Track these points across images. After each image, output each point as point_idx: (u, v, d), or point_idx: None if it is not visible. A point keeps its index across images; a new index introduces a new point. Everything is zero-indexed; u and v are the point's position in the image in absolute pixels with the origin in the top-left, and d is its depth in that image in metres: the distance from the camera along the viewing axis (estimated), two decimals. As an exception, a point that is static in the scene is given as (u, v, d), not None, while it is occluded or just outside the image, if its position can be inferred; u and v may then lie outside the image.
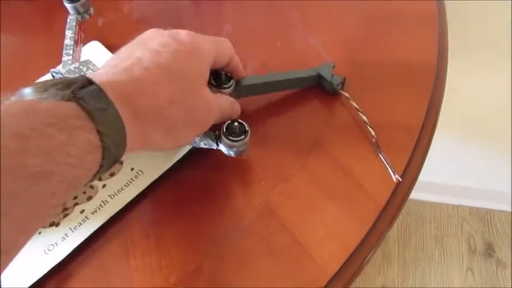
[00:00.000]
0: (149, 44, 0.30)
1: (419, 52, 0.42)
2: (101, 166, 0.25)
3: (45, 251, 0.33)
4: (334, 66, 0.39)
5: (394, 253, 1.12)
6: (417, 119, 0.38)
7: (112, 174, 0.37)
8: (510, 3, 0.72)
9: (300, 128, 0.38)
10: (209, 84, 0.34)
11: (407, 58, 0.42)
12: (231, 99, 0.36)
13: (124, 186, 0.36)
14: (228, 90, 0.35)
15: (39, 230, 0.34)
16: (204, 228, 0.34)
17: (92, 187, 0.36)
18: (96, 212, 0.35)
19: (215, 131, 0.35)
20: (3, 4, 0.50)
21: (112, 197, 0.35)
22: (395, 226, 1.16)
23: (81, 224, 0.34)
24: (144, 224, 0.34)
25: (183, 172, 0.36)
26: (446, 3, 0.47)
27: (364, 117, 0.37)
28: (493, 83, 0.88)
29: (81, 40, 0.41)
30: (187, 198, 0.35)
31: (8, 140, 0.20)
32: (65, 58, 0.38)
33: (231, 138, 0.33)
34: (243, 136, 0.33)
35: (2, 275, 0.21)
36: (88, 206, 0.35)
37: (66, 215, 0.35)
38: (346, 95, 0.39)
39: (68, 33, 0.40)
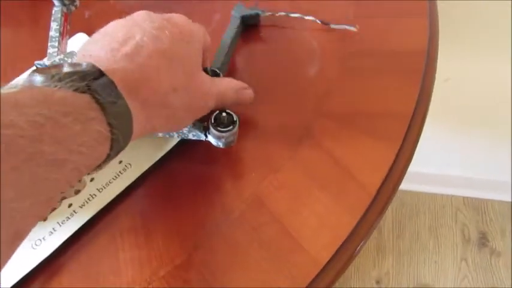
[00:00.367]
0: (145, 27, 0.29)
1: (409, 38, 0.42)
2: (108, 156, 0.25)
3: (32, 246, 0.32)
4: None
5: (389, 244, 1.13)
6: (408, 107, 0.37)
7: (100, 167, 0.36)
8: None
9: (289, 117, 0.38)
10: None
11: (397, 45, 0.42)
12: (236, 83, 0.35)
13: (112, 180, 0.35)
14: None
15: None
16: (193, 221, 0.33)
17: (79, 180, 0.36)
18: (84, 205, 0.34)
19: (203, 122, 0.34)
20: (-13, -3, 0.49)
21: (100, 190, 0.35)
22: (389, 217, 1.16)
23: (69, 218, 0.34)
24: (133, 217, 0.34)
25: (171, 164, 0.36)
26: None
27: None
28: (490, 71, 0.87)
29: (67, 32, 0.41)
30: (176, 191, 0.35)
31: (25, 128, 0.20)
32: (50, 50, 0.37)
33: (219, 129, 0.33)
34: (231, 127, 0.33)
35: None
36: (76, 200, 0.35)
37: (53, 209, 0.34)
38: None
39: (53, 25, 0.39)
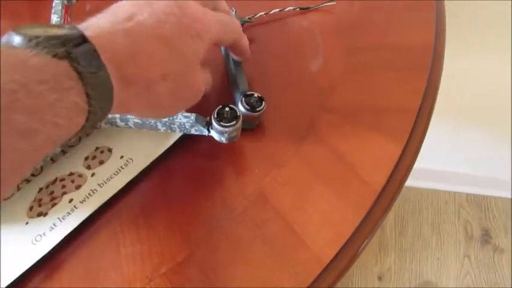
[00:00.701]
0: (155, 7, 0.28)
1: (416, 33, 0.41)
2: (83, 127, 0.24)
3: (32, 241, 0.32)
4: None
5: (391, 241, 1.12)
6: (414, 103, 0.37)
7: (101, 162, 0.36)
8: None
9: (293, 112, 0.37)
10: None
11: (404, 40, 0.41)
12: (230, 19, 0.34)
13: (113, 175, 0.35)
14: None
15: (26, 221, 0.33)
16: (195, 217, 0.33)
17: (80, 176, 0.35)
18: (85, 201, 0.34)
19: (206, 117, 0.34)
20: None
21: (101, 185, 0.34)
22: (391, 214, 1.16)
23: (69, 213, 0.33)
24: (134, 213, 0.33)
25: (173, 159, 0.35)
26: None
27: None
28: (493, 69, 0.87)
29: (68, 24, 0.40)
30: (179, 186, 0.34)
31: None
32: (50, 43, 0.37)
33: (222, 123, 0.32)
34: (234, 121, 0.32)
35: None
36: (77, 195, 0.34)
37: (54, 205, 0.34)
38: None
39: (54, 18, 0.39)
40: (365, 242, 0.32)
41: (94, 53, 0.24)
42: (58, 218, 0.33)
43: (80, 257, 0.32)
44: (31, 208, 0.34)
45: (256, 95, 0.35)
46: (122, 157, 0.35)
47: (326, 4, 0.41)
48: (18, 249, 0.32)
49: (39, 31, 0.23)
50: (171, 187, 0.35)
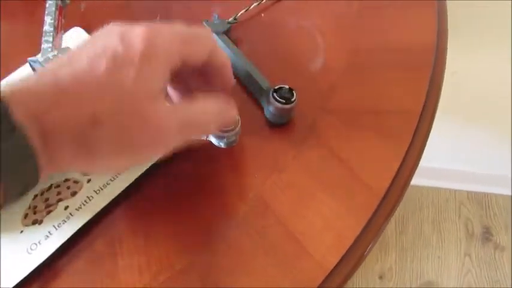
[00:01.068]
0: (95, 44, 0.25)
1: (417, 32, 0.40)
2: (3, 203, 0.22)
3: (27, 250, 0.31)
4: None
5: (392, 240, 1.12)
6: (416, 104, 0.36)
7: None
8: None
9: (293, 113, 0.36)
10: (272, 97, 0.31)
11: (405, 39, 0.40)
12: (214, 104, 0.28)
13: (110, 181, 0.34)
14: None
15: (21, 229, 0.32)
16: (194, 224, 0.32)
17: (76, 182, 0.34)
18: (81, 208, 0.33)
19: None
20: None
21: (97, 192, 0.34)
22: (392, 212, 1.15)
23: (65, 221, 0.32)
24: (132, 221, 0.33)
25: (171, 165, 0.35)
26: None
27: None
28: (492, 65, 0.86)
29: (62, 26, 0.39)
30: (177, 193, 0.33)
31: None
32: (44, 46, 0.36)
33: (221, 129, 0.31)
34: (232, 126, 0.31)
35: None
36: (72, 202, 0.33)
37: (49, 212, 0.33)
38: None
39: (47, 19, 0.38)
40: (368, 248, 0.31)
41: (6, 111, 0.21)
42: (53, 226, 0.32)
43: (76, 267, 0.31)
44: (26, 216, 0.33)
45: (286, 86, 0.34)
46: (118, 162, 0.35)
47: None
48: (13, 258, 0.31)
49: None
50: (169, 193, 0.34)
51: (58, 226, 0.32)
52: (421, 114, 0.36)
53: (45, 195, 0.34)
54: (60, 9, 0.39)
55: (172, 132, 0.26)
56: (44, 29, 0.37)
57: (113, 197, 0.33)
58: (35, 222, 0.33)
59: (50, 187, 0.34)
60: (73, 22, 0.42)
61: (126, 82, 0.24)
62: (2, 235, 0.32)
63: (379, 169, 0.33)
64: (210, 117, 0.28)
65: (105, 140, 0.24)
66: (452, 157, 1.13)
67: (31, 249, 0.31)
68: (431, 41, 0.39)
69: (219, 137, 0.32)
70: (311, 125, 0.36)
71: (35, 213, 0.33)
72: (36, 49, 0.38)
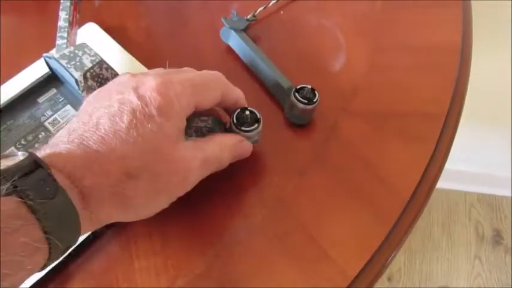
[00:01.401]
0: (112, 99, 0.26)
1: (442, 33, 0.39)
2: (45, 266, 0.23)
3: (41, 251, 0.30)
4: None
5: (401, 241, 1.10)
6: (442, 106, 0.35)
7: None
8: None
9: (315, 115, 0.35)
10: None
11: (429, 39, 0.39)
12: (229, 139, 0.30)
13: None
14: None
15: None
16: (212, 227, 0.31)
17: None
18: (95, 208, 0.32)
19: (225, 123, 0.32)
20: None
21: (113, 192, 0.33)
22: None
23: (79, 222, 0.32)
24: (148, 223, 0.31)
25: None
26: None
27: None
28: (504, 66, 0.85)
29: (77, 22, 0.38)
30: (194, 194, 0.32)
31: None
32: (59, 42, 0.35)
33: (243, 129, 0.30)
34: (255, 125, 0.30)
35: None
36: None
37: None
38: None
39: (62, 15, 0.37)
40: (393, 254, 0.30)
41: (48, 177, 0.22)
42: (68, 227, 0.31)
43: (91, 269, 0.30)
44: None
45: (309, 86, 0.33)
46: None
47: None
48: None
49: None
50: (186, 195, 0.33)
51: (73, 227, 0.31)
52: (447, 117, 0.34)
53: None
54: (75, 5, 0.38)
55: (197, 169, 0.28)
56: (58, 25, 0.36)
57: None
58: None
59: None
60: (87, 18, 0.41)
61: (149, 135, 0.25)
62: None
63: (403, 173, 0.32)
64: (226, 152, 0.29)
65: (142, 190, 0.25)
66: (463, 158, 1.11)
67: (45, 250, 0.30)
68: (456, 41, 0.38)
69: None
70: (332, 126, 0.35)
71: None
72: (48, 44, 0.37)
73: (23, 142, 0.33)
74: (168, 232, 0.31)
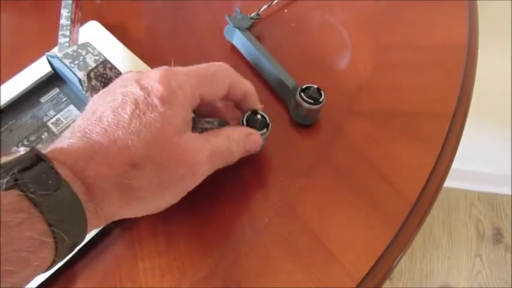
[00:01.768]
0: (115, 93, 0.26)
1: (448, 31, 0.39)
2: (54, 261, 0.22)
3: (45, 253, 0.30)
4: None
5: (401, 239, 1.10)
6: (448, 106, 0.35)
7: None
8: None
9: (320, 114, 0.35)
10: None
11: (435, 38, 0.39)
12: (239, 132, 0.29)
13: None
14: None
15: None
16: (218, 228, 0.31)
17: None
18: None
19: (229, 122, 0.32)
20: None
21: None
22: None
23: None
24: (153, 223, 0.31)
25: (193, 166, 0.33)
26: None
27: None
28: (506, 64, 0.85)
29: (79, 20, 0.38)
30: (200, 195, 0.32)
31: None
32: (61, 40, 0.34)
33: None
34: (264, 130, 0.30)
35: None
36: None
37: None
38: None
39: (64, 12, 0.36)
40: (399, 256, 0.30)
41: (50, 170, 0.22)
42: (71, 228, 0.31)
43: (96, 270, 0.30)
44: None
45: (315, 86, 0.33)
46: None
47: None
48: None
49: None
50: (192, 195, 0.32)
51: (76, 228, 0.31)
52: (453, 117, 0.34)
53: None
54: (77, 2, 0.38)
55: (204, 161, 0.27)
56: (60, 23, 0.36)
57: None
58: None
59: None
60: (89, 16, 0.41)
61: (153, 124, 0.25)
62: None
63: (410, 174, 0.32)
64: (235, 146, 0.29)
65: (148, 181, 0.25)
66: (464, 157, 1.11)
67: (48, 251, 0.30)
68: (463, 40, 0.38)
69: None
70: (338, 126, 0.35)
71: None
72: (49, 42, 0.36)
73: (25, 142, 0.33)
74: (173, 233, 0.31)
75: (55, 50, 0.34)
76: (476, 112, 0.99)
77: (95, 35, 0.39)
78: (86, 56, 0.31)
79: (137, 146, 0.24)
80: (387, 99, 0.36)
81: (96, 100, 0.27)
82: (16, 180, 0.21)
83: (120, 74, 0.32)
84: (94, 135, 0.24)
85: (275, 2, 0.40)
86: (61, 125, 0.34)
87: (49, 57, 0.34)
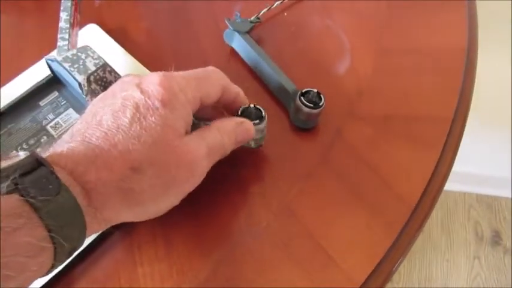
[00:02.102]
0: (115, 97, 0.26)
1: (447, 35, 0.39)
2: (53, 265, 0.22)
3: (43, 257, 0.30)
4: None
5: (400, 241, 1.10)
6: (448, 110, 0.35)
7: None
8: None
9: (319, 119, 0.35)
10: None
11: (435, 42, 0.39)
12: (228, 124, 0.29)
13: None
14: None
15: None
16: (217, 232, 0.31)
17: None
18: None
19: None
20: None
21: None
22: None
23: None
24: (152, 228, 0.31)
25: (193, 169, 0.33)
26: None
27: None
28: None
29: (78, 23, 0.38)
30: (199, 198, 0.32)
31: None
32: (60, 43, 0.34)
33: None
34: (257, 121, 0.30)
35: None
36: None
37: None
38: None
39: (63, 15, 0.36)
40: (399, 261, 0.30)
41: (50, 175, 0.21)
42: (70, 232, 0.31)
43: (95, 274, 0.30)
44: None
45: (314, 90, 0.33)
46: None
47: None
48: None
49: None
50: (191, 199, 0.32)
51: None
52: (453, 121, 0.34)
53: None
54: (76, 5, 0.38)
55: (203, 159, 0.27)
56: (59, 26, 0.36)
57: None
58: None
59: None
60: (87, 19, 0.41)
61: (153, 128, 0.25)
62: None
63: (410, 178, 0.32)
64: (226, 137, 0.29)
65: (149, 185, 0.25)
66: (462, 159, 1.12)
67: (47, 256, 0.30)
68: (462, 44, 0.38)
69: None
70: (338, 130, 0.34)
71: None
72: (48, 46, 0.36)
73: (24, 146, 0.33)
74: (172, 237, 0.31)
75: (54, 53, 0.34)
76: (475, 114, 0.99)
77: (94, 38, 0.39)
78: (86, 60, 0.31)
79: (138, 150, 0.24)
80: (387, 103, 0.36)
81: (96, 103, 0.27)
82: (16, 184, 0.20)
83: (119, 77, 0.32)
84: (94, 139, 0.24)
85: (275, 5, 0.40)
86: (60, 129, 0.34)
87: (48, 61, 0.34)
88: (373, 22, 0.40)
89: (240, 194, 0.32)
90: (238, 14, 0.39)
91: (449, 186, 1.19)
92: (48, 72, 0.36)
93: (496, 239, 1.10)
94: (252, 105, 0.31)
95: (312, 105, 0.32)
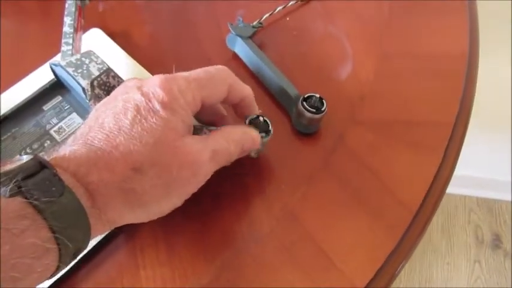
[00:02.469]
0: (117, 100, 0.26)
1: (449, 39, 0.39)
2: (58, 267, 0.22)
3: (46, 261, 0.30)
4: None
5: (400, 244, 1.10)
6: (449, 114, 0.35)
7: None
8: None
9: (321, 124, 0.35)
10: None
11: (436, 46, 0.39)
12: (236, 131, 0.29)
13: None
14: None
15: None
16: (219, 236, 0.31)
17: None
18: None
19: None
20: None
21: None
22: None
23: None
24: (154, 231, 0.31)
25: (195, 174, 0.33)
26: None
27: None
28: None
29: (81, 27, 0.38)
30: (201, 203, 0.32)
31: None
32: (64, 48, 0.35)
33: None
34: (264, 134, 0.30)
35: None
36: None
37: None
38: None
39: (67, 20, 0.37)
40: (401, 265, 0.30)
41: (53, 177, 0.22)
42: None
43: (97, 279, 0.30)
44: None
45: (317, 95, 0.33)
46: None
47: None
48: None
49: None
50: (193, 204, 0.32)
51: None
52: (454, 126, 0.34)
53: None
54: (80, 10, 0.38)
55: (206, 161, 0.27)
56: (63, 30, 0.36)
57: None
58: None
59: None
60: (91, 23, 0.41)
61: (155, 129, 0.25)
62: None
63: (411, 183, 0.32)
64: (232, 144, 0.28)
65: (151, 186, 0.25)
66: (463, 163, 1.12)
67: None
68: (464, 49, 0.38)
69: None
70: (340, 135, 0.35)
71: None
72: (52, 51, 0.37)
73: (28, 150, 0.33)
74: (174, 241, 0.31)
75: (58, 58, 0.34)
76: (476, 118, 0.99)
77: (97, 43, 0.39)
78: (90, 65, 0.31)
79: (139, 151, 0.24)
80: (389, 108, 0.36)
81: (99, 108, 0.27)
82: (20, 187, 0.21)
83: (123, 82, 0.32)
84: (96, 141, 0.24)
85: (277, 10, 0.41)
86: (64, 133, 0.34)
87: (52, 66, 0.34)
88: (375, 27, 0.40)
89: (242, 198, 0.33)
90: (241, 19, 0.39)
91: (449, 189, 1.18)
92: (52, 76, 0.36)
93: (497, 242, 1.10)
94: (261, 117, 0.31)
95: (314, 110, 0.33)
